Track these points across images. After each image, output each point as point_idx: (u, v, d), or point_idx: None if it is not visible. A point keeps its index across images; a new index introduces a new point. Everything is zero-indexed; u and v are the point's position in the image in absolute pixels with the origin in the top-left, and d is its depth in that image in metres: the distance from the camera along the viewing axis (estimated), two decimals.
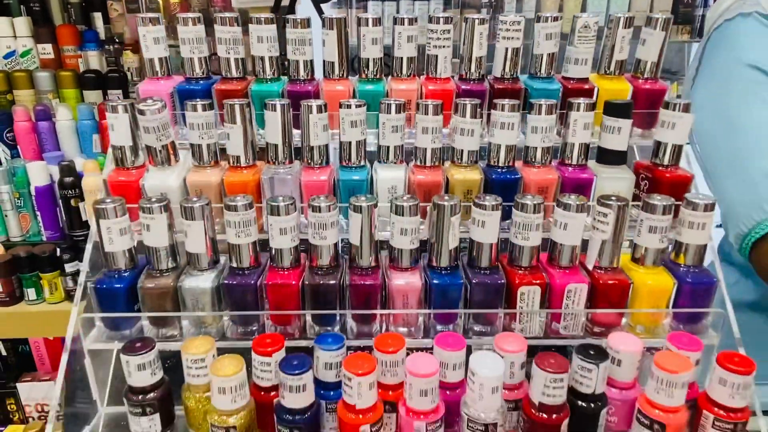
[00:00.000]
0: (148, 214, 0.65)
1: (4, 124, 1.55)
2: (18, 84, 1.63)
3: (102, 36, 1.81)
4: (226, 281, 0.67)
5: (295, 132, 0.74)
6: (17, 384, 1.53)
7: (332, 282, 0.67)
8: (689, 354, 0.64)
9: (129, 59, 1.82)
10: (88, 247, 0.69)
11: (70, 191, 1.45)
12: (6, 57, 1.68)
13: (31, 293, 1.44)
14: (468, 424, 0.62)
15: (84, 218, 1.49)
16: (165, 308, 0.67)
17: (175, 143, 0.72)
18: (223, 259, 0.71)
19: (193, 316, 0.67)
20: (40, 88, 1.65)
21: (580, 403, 0.64)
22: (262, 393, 0.65)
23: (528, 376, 0.65)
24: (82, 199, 1.46)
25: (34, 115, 1.55)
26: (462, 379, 0.64)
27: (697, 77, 0.95)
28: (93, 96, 1.67)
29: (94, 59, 1.74)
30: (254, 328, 0.69)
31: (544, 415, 0.62)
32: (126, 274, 0.67)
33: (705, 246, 0.69)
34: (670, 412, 0.62)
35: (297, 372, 0.60)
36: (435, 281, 0.68)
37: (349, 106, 0.69)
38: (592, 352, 0.63)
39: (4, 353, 1.64)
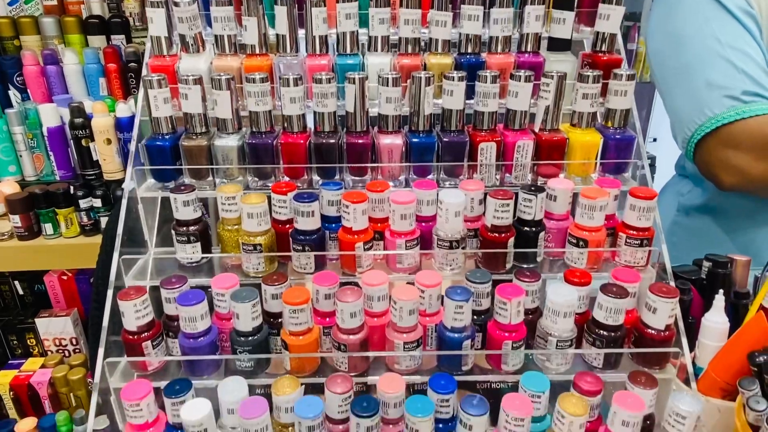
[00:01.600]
0: (185, 85, 0.92)
1: (14, 68, 1.73)
2: (24, 30, 1.80)
3: None
4: (248, 141, 0.94)
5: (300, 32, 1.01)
6: (36, 319, 1.71)
7: (332, 141, 0.94)
8: (609, 190, 0.91)
9: (130, 5, 2.03)
10: (137, 120, 0.97)
11: (80, 132, 1.63)
12: (11, 4, 1.84)
13: (48, 228, 1.63)
14: (438, 243, 0.90)
15: (95, 158, 1.68)
16: (201, 163, 0.95)
17: (202, 34, 1.00)
18: (244, 129, 0.98)
19: (223, 168, 0.95)
20: (45, 33, 1.81)
21: (524, 228, 0.91)
22: (280, 225, 0.93)
23: (485, 212, 0.92)
24: (93, 140, 1.64)
25: (42, 59, 1.72)
26: (434, 214, 0.91)
27: (652, 7, 1.19)
28: (97, 41, 1.84)
29: (96, 5, 1.90)
30: (271, 183, 0.96)
31: (496, 234, 0.90)
32: (168, 136, 0.95)
33: (628, 111, 0.96)
34: (592, 231, 0.90)
35: (307, 200, 0.88)
36: (414, 140, 0.95)
37: (344, 0, 0.96)
38: (532, 188, 0.90)
39: (21, 292, 1.83)
